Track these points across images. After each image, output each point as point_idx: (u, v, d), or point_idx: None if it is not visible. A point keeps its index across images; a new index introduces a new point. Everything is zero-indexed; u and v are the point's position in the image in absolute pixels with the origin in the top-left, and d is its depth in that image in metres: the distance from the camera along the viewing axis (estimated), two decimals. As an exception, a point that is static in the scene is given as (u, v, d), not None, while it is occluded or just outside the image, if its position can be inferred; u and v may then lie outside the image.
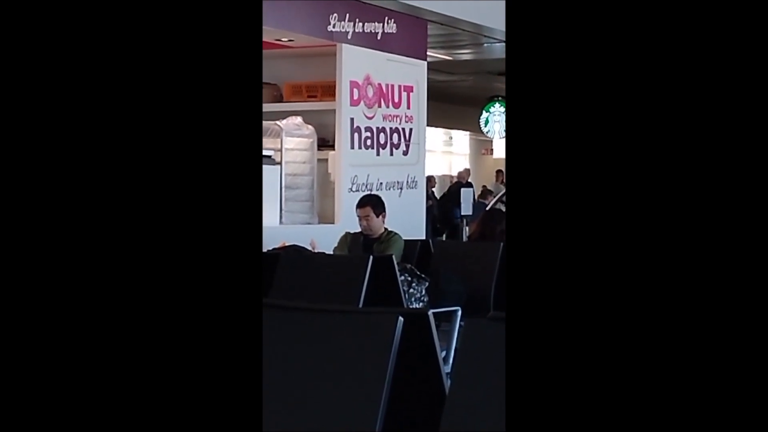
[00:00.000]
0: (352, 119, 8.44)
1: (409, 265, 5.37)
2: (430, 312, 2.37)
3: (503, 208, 10.14)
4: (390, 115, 8.86)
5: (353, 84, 8.44)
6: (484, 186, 18.09)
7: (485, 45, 11.61)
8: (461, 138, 23.29)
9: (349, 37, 8.32)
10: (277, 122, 8.07)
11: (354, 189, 8.38)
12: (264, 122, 8.15)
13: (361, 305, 4.08)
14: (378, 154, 8.76)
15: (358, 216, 6.48)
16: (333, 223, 8.21)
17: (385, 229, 6.46)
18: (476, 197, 14.68)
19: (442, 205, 14.69)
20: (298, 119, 8.23)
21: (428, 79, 9.39)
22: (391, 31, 8.72)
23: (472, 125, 19.41)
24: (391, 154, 8.90)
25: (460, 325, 4.57)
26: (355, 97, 8.47)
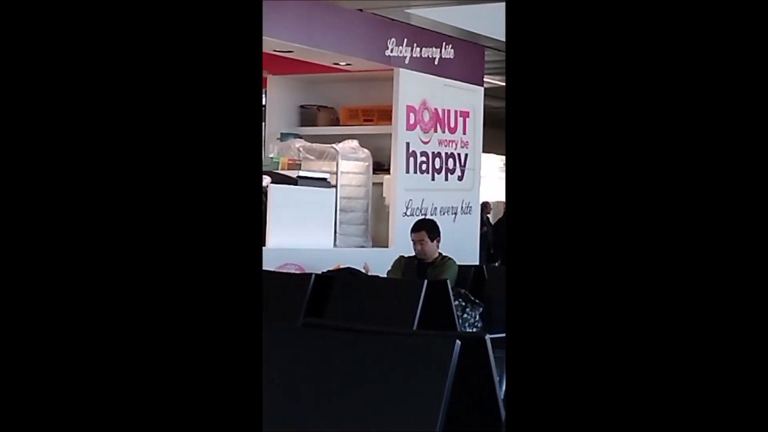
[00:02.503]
0: (408, 143, 8.45)
1: (463, 290, 5.35)
2: (488, 336, 2.37)
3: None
4: (446, 140, 8.86)
5: (410, 108, 8.45)
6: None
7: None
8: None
9: (406, 62, 8.35)
10: (334, 145, 8.11)
11: (408, 213, 8.38)
12: (320, 145, 8.19)
13: (414, 329, 4.07)
14: (433, 179, 8.76)
15: (412, 240, 6.48)
16: (387, 246, 8.21)
17: (440, 253, 6.44)
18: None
19: (497, 231, 14.63)
20: (355, 143, 8.26)
21: (485, 105, 9.38)
22: (448, 56, 8.73)
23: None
24: (446, 179, 8.90)
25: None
26: (412, 121, 8.48)
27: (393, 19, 8.27)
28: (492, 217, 16.60)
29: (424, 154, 8.64)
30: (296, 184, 7.42)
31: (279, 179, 7.42)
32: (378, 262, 6.98)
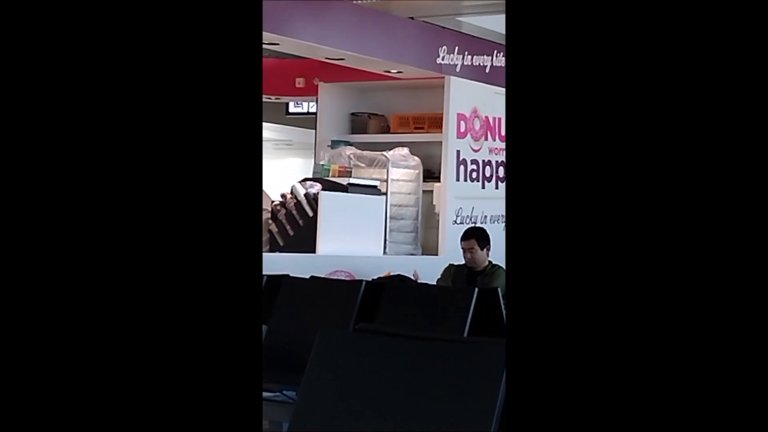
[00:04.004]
0: (458, 151, 8.44)
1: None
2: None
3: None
4: (496, 148, 8.84)
5: (460, 116, 8.44)
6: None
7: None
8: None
9: (457, 70, 8.34)
10: (384, 153, 8.13)
11: (458, 221, 8.37)
12: (371, 153, 8.21)
13: (466, 336, 4.06)
14: (483, 187, 8.74)
15: (462, 248, 6.47)
16: (436, 254, 8.20)
17: (489, 262, 6.43)
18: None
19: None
20: (405, 150, 8.27)
21: (536, 113, 9.33)
22: (499, 64, 8.71)
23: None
24: (497, 188, 8.87)
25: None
26: (462, 129, 8.47)
27: (444, 27, 8.27)
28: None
29: (474, 162, 8.62)
30: (347, 192, 7.45)
31: (329, 186, 7.46)
32: (427, 270, 6.97)
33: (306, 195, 7.30)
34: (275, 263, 5.88)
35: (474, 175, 8.65)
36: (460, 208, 8.51)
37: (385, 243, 7.88)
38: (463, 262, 6.50)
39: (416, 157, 8.31)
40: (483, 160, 8.73)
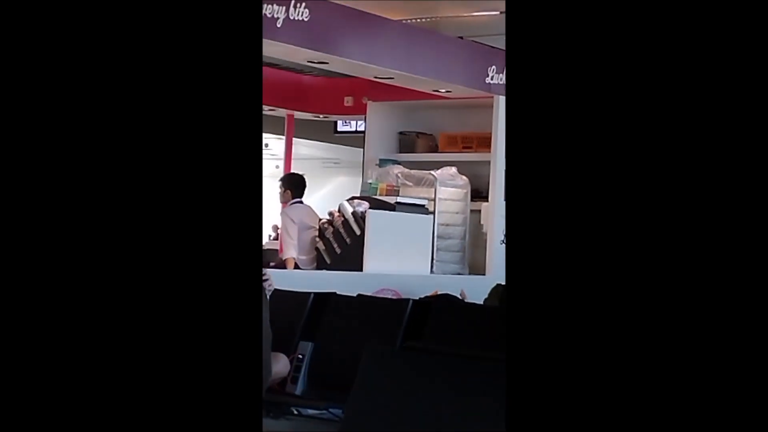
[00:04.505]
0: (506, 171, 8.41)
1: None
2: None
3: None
4: (545, 168, 8.79)
5: (509, 136, 8.41)
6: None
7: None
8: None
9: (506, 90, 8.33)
10: (432, 172, 8.12)
11: (506, 241, 8.33)
12: (419, 172, 8.21)
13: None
14: (531, 207, 8.69)
15: (510, 268, 6.43)
16: (483, 274, 8.17)
17: (537, 282, 6.39)
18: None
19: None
20: (453, 170, 8.26)
21: (584, 133, 9.29)
22: (548, 84, 8.67)
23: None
24: (545, 208, 8.81)
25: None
26: (511, 149, 8.44)
27: (493, 47, 8.26)
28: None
29: (522, 182, 8.57)
30: (394, 210, 7.45)
31: (377, 205, 7.46)
32: (474, 290, 6.94)
33: (353, 213, 7.32)
34: (322, 281, 5.89)
35: (522, 194, 8.60)
36: (508, 227, 8.46)
37: (432, 262, 7.86)
38: (510, 282, 6.46)
39: (464, 177, 8.29)
40: (531, 180, 8.68)
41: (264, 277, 4.21)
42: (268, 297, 4.17)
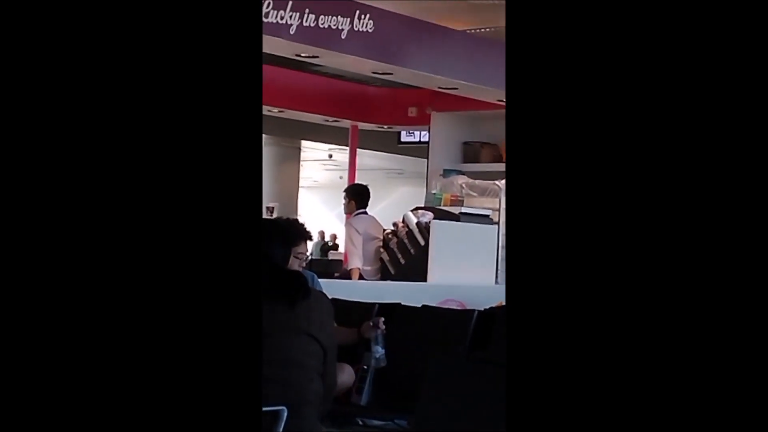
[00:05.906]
0: (571, 181, 8.36)
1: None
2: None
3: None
4: (610, 177, 8.73)
5: (574, 145, 8.36)
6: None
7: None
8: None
9: (571, 99, 8.28)
10: (496, 182, 8.10)
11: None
12: (483, 182, 8.19)
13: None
14: (597, 217, 8.63)
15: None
16: (549, 285, 8.12)
17: (604, 292, 6.34)
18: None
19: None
20: (517, 180, 8.23)
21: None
22: (614, 93, 8.61)
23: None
24: (611, 218, 8.75)
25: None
26: (576, 158, 8.39)
27: (558, 56, 8.23)
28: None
29: (588, 191, 8.52)
30: (458, 221, 7.43)
31: (441, 215, 7.45)
32: (540, 300, 6.90)
33: (418, 224, 7.31)
34: (387, 291, 5.89)
35: (587, 204, 8.55)
36: (574, 238, 8.41)
37: (497, 272, 7.83)
38: (576, 292, 6.42)
39: (529, 187, 8.26)
40: (597, 190, 8.62)
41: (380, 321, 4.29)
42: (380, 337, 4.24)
